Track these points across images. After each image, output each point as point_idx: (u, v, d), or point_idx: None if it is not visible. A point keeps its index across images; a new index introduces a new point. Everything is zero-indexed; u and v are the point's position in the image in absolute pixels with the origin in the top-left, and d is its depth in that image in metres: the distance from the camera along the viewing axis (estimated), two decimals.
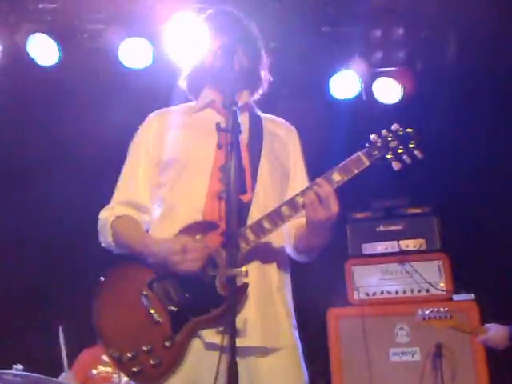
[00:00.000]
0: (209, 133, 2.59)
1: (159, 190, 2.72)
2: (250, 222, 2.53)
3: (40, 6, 4.98)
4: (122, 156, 2.87)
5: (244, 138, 2.61)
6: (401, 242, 4.75)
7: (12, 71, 5.06)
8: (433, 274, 4.63)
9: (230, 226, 2.21)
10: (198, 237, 2.49)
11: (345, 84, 5.32)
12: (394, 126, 2.61)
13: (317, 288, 5.02)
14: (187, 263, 2.42)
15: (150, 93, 5.14)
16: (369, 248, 4.81)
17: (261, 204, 2.61)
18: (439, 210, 4.84)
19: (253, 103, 2.89)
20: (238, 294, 2.35)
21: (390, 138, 2.59)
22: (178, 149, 2.69)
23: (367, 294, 4.69)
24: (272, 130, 2.84)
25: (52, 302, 5.44)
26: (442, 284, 4.59)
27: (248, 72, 2.71)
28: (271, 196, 2.68)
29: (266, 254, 2.61)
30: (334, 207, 2.46)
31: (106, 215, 2.72)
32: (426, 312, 3.86)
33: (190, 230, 2.51)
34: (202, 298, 2.45)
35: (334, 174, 2.52)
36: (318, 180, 2.51)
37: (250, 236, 2.47)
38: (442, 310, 3.85)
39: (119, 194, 2.76)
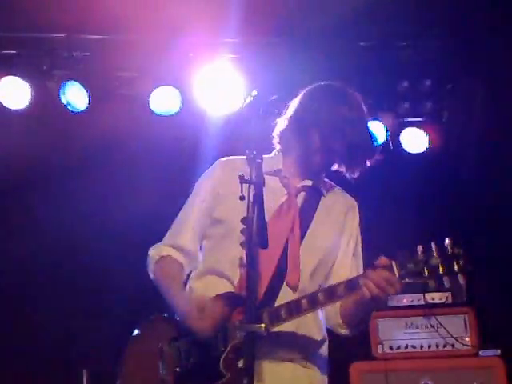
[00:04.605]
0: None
1: (205, 241, 2.77)
2: None
3: (74, 53, 5.11)
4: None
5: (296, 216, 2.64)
6: (426, 294, 4.67)
7: (43, 117, 5.16)
8: (458, 329, 4.53)
9: (251, 281, 2.15)
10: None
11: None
12: (447, 242, 2.31)
13: (339, 341, 4.94)
14: (200, 322, 2.42)
15: (179, 139, 5.21)
16: (394, 300, 4.73)
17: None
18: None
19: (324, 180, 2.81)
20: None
21: (433, 253, 2.31)
22: (229, 210, 2.62)
23: (391, 348, 4.60)
24: (330, 207, 2.77)
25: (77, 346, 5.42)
26: (467, 339, 4.49)
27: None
28: (312, 283, 2.66)
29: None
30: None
31: (152, 253, 2.78)
32: None
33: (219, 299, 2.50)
34: (203, 368, 2.44)
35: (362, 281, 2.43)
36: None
37: (283, 314, 2.45)
38: None
39: (169, 235, 2.81)
